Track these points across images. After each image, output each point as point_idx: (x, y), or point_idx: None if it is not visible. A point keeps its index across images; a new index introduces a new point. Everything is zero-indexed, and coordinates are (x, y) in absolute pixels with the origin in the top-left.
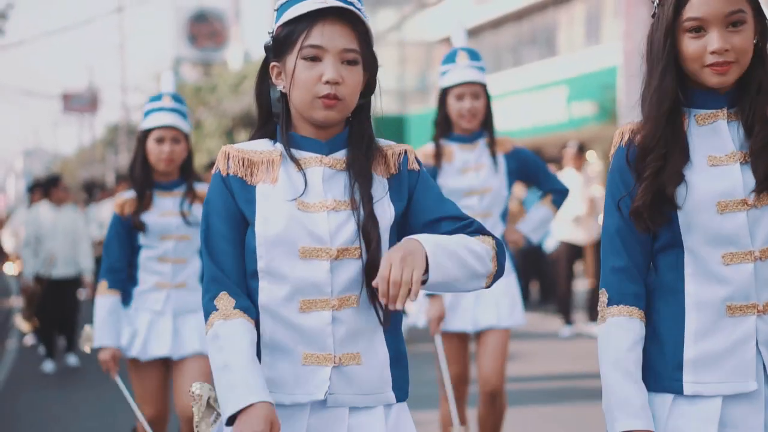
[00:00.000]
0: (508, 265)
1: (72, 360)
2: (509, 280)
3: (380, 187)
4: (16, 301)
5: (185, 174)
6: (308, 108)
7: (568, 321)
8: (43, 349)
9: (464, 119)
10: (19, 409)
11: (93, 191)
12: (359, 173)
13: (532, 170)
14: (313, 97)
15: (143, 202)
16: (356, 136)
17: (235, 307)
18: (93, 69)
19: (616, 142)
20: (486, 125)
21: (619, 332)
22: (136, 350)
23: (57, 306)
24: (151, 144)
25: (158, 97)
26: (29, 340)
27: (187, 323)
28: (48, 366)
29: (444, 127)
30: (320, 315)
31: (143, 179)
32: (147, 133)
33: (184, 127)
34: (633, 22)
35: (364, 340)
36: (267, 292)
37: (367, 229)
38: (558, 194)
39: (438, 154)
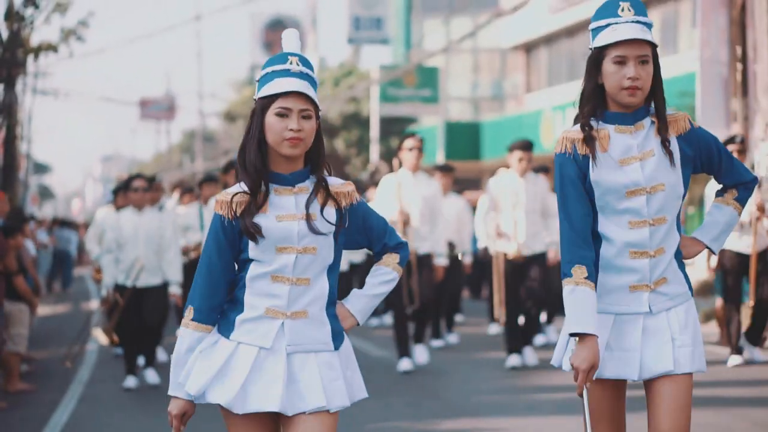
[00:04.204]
0: (686, 289)
1: (151, 377)
2: (689, 307)
3: None
4: (96, 305)
5: (314, 163)
6: None
7: (738, 350)
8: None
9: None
10: (98, 416)
11: (183, 192)
12: None
13: (715, 156)
14: None
15: (257, 199)
16: None
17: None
18: (170, 76)
19: None
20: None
21: None
22: (230, 397)
23: (138, 318)
24: (271, 118)
25: (281, 58)
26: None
27: (306, 367)
28: (130, 382)
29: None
30: None
31: (259, 167)
32: (266, 104)
33: (316, 99)
34: (710, 30)
35: None
36: None
37: None
38: (744, 189)
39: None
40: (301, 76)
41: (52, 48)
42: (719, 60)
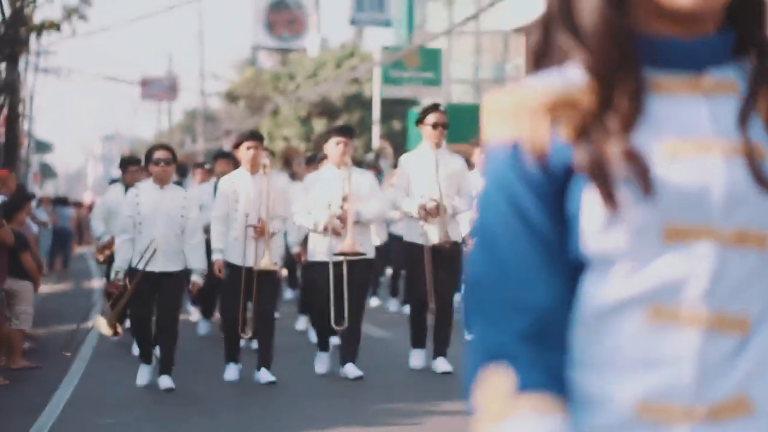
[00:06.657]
0: None
1: (166, 382)
2: None
3: None
4: (98, 284)
5: (746, 21)
6: None
7: None
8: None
9: None
10: (99, 392)
11: (186, 170)
12: None
13: None
14: None
15: (616, 105)
16: None
17: None
18: (172, 56)
19: None
20: None
21: None
22: None
23: (149, 308)
24: None
25: None
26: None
27: None
28: (143, 376)
29: None
30: None
31: (616, 26)
32: None
33: None
34: None
35: None
36: None
37: None
38: None
39: None
40: None
41: (54, 26)
42: None
